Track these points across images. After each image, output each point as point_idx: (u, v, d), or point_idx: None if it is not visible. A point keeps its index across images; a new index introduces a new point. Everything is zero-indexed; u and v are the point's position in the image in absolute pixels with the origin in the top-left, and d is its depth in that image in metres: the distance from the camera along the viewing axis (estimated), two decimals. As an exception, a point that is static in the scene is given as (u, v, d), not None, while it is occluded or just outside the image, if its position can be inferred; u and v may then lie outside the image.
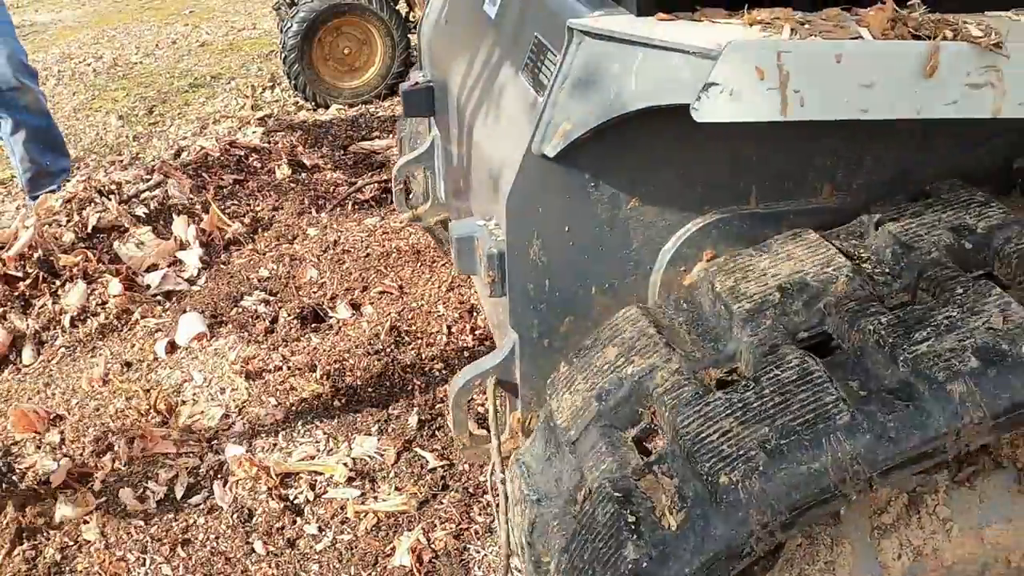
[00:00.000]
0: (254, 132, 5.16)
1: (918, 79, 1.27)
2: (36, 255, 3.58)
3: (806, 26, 1.31)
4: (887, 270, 1.47)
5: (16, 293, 3.47)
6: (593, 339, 1.60)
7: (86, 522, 2.50)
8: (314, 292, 3.52)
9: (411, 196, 2.92)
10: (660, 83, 1.34)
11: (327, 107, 5.89)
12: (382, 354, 3.11)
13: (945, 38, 1.27)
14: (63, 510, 2.51)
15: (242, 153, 4.80)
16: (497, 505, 1.60)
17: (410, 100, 2.65)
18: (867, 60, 1.27)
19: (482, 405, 2.86)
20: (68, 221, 3.84)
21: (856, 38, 1.28)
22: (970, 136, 1.58)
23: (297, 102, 6.17)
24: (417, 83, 2.67)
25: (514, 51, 1.86)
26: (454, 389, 1.79)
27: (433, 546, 2.38)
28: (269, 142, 4.94)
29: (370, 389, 2.97)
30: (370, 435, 2.75)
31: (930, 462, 1.21)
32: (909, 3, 1.36)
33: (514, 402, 1.78)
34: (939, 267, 1.39)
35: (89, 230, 3.81)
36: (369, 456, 2.67)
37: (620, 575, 1.24)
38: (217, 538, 2.43)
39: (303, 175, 4.69)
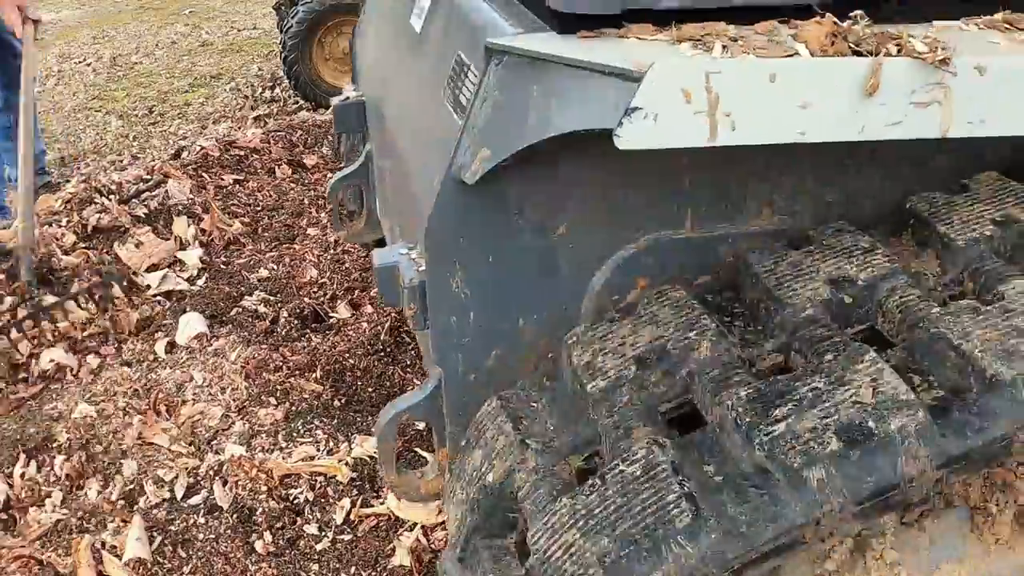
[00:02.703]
0: (254, 132, 5.17)
1: (859, 98, 1.18)
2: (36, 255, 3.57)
3: (739, 43, 1.21)
4: (760, 327, 1.40)
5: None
6: (466, 440, 1.54)
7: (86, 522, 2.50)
8: (314, 292, 3.53)
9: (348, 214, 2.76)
10: (582, 107, 1.23)
11: (327, 107, 5.90)
12: (382, 354, 3.12)
13: (888, 54, 1.18)
14: (64, 510, 2.51)
15: (242, 153, 4.81)
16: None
17: (341, 115, 2.57)
18: (804, 79, 1.17)
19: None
20: (68, 221, 3.85)
21: (792, 55, 1.18)
22: (919, 158, 1.50)
23: (297, 102, 6.18)
24: (348, 98, 2.59)
25: (439, 68, 1.74)
26: (380, 424, 1.70)
27: (433, 546, 2.38)
28: (269, 142, 4.95)
29: (370, 389, 2.97)
30: (370, 435, 2.76)
31: (791, 552, 1.13)
32: (851, 15, 1.27)
33: (442, 437, 1.70)
34: (813, 325, 1.32)
35: (89, 230, 3.81)
36: (369, 456, 2.67)
37: None
38: (217, 538, 2.44)
39: (303, 175, 4.69)
